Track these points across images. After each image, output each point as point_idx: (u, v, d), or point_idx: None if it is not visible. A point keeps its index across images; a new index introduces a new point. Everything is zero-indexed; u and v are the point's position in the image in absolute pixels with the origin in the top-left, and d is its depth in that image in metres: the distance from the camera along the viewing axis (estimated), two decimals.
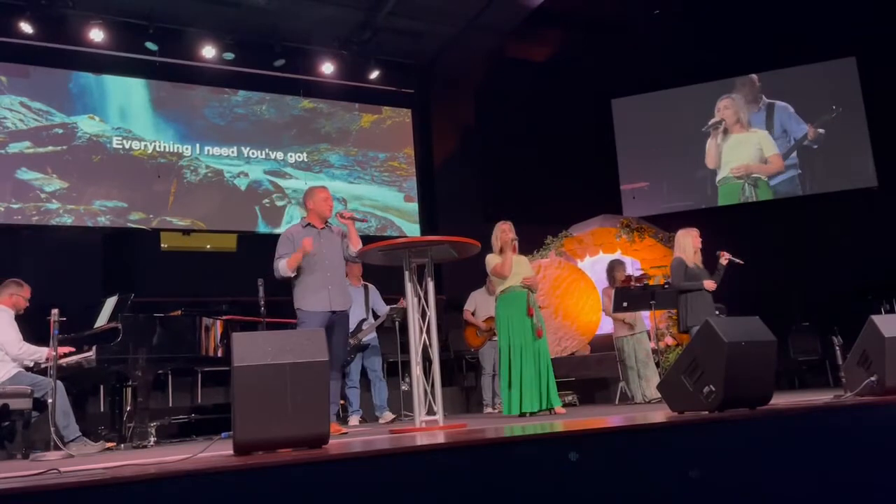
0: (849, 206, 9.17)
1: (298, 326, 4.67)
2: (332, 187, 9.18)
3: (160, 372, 5.72)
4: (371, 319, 6.45)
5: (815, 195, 9.58)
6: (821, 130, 9.60)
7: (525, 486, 2.23)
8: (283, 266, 4.65)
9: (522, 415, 5.08)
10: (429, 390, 4.09)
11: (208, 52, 8.51)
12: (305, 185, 9.09)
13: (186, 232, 8.44)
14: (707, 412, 3.03)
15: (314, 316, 4.64)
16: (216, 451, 2.79)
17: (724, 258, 5.63)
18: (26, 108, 7.87)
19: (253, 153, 8.96)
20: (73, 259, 7.62)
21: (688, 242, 5.74)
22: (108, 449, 4.64)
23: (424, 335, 4.12)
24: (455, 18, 8.82)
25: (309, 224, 4.87)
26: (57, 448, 3.94)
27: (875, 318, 3.53)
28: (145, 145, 8.40)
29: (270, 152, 9.07)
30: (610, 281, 7.02)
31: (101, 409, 6.21)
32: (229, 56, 8.70)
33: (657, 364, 6.65)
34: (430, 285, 4.17)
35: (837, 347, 5.86)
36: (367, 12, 8.57)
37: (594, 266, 8.57)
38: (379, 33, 8.86)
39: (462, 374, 8.36)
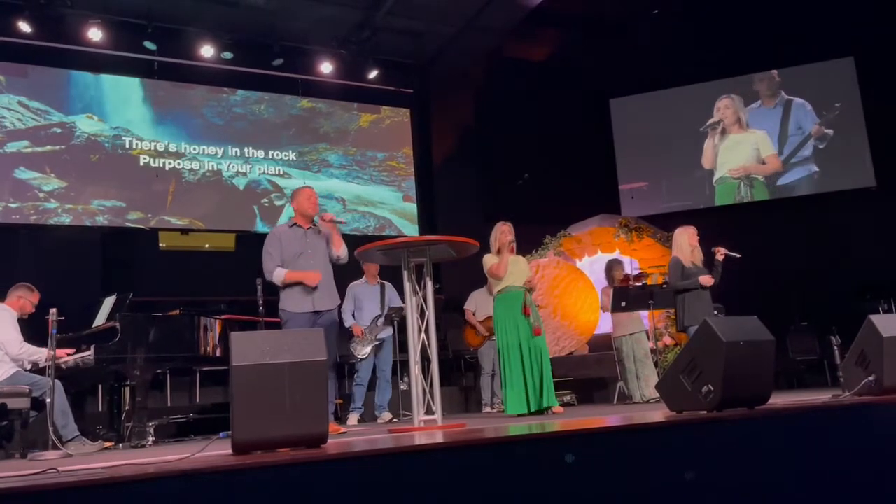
0: (847, 206, 9.18)
1: (282, 327, 4.71)
2: (330, 187, 9.32)
3: (158, 371, 5.72)
4: (383, 318, 6.45)
5: (814, 195, 9.59)
6: (828, 131, 9.58)
7: (524, 486, 2.23)
8: (280, 276, 4.70)
9: (521, 415, 5.09)
10: (427, 390, 4.09)
11: (207, 51, 8.51)
12: (304, 185, 9.11)
13: (185, 231, 8.43)
14: (705, 412, 3.04)
15: (297, 317, 4.68)
16: (215, 451, 2.78)
17: (720, 254, 5.55)
18: (24, 108, 7.87)
19: (251, 153, 8.96)
20: (71, 258, 7.62)
21: (684, 240, 5.67)
22: (107, 448, 4.64)
23: (423, 335, 4.12)
24: (454, 18, 8.82)
25: (295, 224, 4.92)
26: (55, 447, 3.93)
27: (873, 317, 3.54)
28: (144, 145, 8.40)
29: (269, 152, 9.07)
30: (609, 281, 7.02)
31: (100, 409, 6.21)
32: (228, 55, 8.69)
33: (655, 364, 6.65)
34: (429, 285, 4.17)
35: (836, 347, 5.87)
36: (366, 12, 8.57)
37: (592, 266, 8.57)
38: (378, 33, 8.86)
39: (461, 374, 8.36)
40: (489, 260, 5.42)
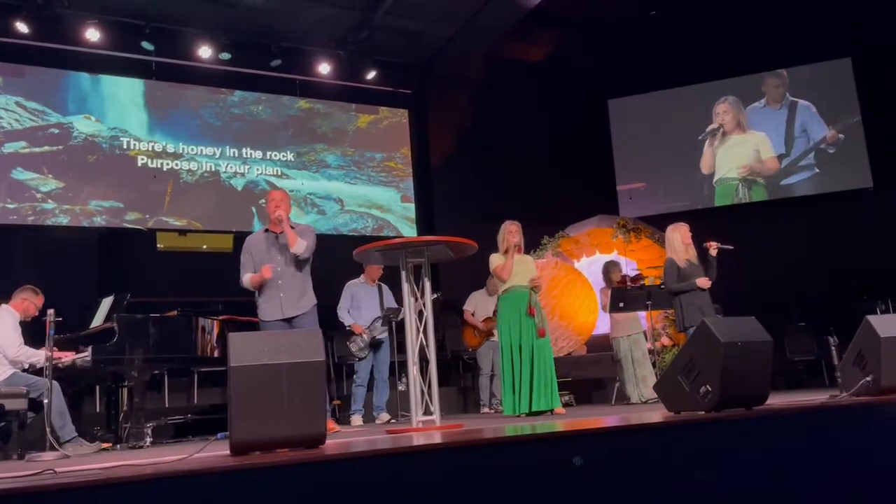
0: (845, 207, 9.19)
1: None
2: (328, 187, 9.32)
3: (156, 372, 5.72)
4: (382, 319, 6.46)
5: (811, 196, 9.60)
6: (840, 136, 9.59)
7: (522, 487, 2.23)
8: (247, 280, 4.83)
9: (520, 415, 5.08)
10: (426, 390, 4.09)
11: (205, 52, 8.50)
12: (302, 186, 9.14)
13: (182, 232, 8.42)
14: (703, 412, 3.04)
15: (272, 325, 4.73)
16: (213, 452, 2.78)
17: (713, 248, 5.45)
18: (22, 108, 7.85)
19: (249, 153, 8.95)
20: (68, 259, 7.60)
21: (676, 239, 5.57)
22: (104, 449, 4.64)
23: (421, 335, 4.13)
24: (452, 18, 8.82)
25: (268, 230, 4.96)
26: (53, 448, 3.93)
27: (871, 318, 3.54)
28: (141, 145, 8.39)
29: (267, 152, 9.06)
30: (606, 282, 7.03)
31: (97, 410, 6.20)
32: (226, 56, 8.68)
33: (653, 364, 6.66)
34: (427, 285, 4.17)
35: (833, 347, 5.86)
36: (364, 12, 8.56)
37: (591, 266, 8.58)
38: (376, 33, 8.86)
39: (459, 375, 8.36)
40: (495, 260, 5.40)
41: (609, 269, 7.04)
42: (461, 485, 2.16)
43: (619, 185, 10.20)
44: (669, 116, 10.13)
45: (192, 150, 8.65)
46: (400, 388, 6.83)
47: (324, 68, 9.10)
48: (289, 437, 2.51)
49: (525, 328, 5.23)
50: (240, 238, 8.44)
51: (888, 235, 8.51)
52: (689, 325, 5.28)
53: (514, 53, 9.97)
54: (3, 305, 4.92)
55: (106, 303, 5.24)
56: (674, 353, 6.88)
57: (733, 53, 9.62)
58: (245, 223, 8.73)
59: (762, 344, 3.22)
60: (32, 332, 4.82)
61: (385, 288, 6.61)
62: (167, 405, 6.78)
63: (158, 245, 8.26)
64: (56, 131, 7.99)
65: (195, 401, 6.96)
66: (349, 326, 6.34)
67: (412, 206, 9.80)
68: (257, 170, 8.96)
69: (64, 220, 7.85)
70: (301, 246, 4.78)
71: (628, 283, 6.91)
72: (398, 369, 6.79)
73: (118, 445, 4.82)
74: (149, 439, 4.82)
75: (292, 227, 4.88)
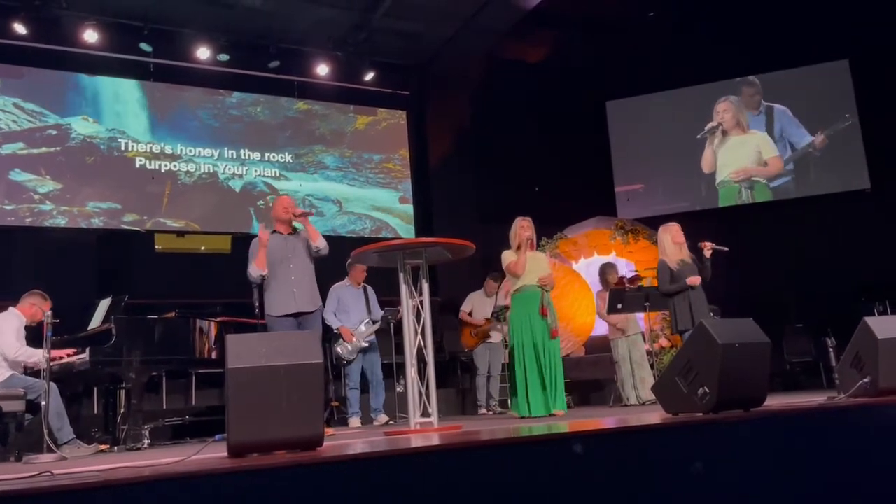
0: (842, 208, 9.20)
1: (268, 331, 4.74)
2: (326, 189, 9.32)
3: (154, 374, 5.71)
4: (371, 322, 6.46)
5: (808, 197, 9.61)
6: (825, 138, 9.62)
7: (520, 489, 2.23)
8: (253, 268, 4.79)
9: (543, 416, 5.03)
10: (423, 392, 4.09)
11: (203, 53, 8.50)
12: (300, 187, 9.14)
13: (181, 233, 8.41)
14: (701, 414, 3.04)
15: (281, 321, 4.75)
16: (210, 454, 2.78)
17: (707, 249, 5.40)
18: (19, 109, 7.85)
19: (247, 155, 8.95)
20: (66, 261, 7.59)
21: (667, 240, 5.49)
22: (102, 451, 4.63)
23: (419, 337, 4.12)
24: (450, 19, 8.82)
25: (275, 231, 4.98)
26: (50, 450, 3.93)
27: (868, 319, 3.54)
28: (139, 147, 8.38)
29: (265, 154, 9.06)
30: (603, 284, 7.03)
31: (95, 412, 6.19)
32: (224, 57, 8.68)
33: (652, 366, 6.66)
34: (425, 287, 4.17)
35: (831, 349, 5.87)
36: (363, 13, 8.56)
37: (589, 268, 8.58)
38: (374, 35, 8.85)
39: (457, 376, 8.36)
40: (508, 257, 5.35)
41: (606, 270, 7.04)
42: (459, 487, 2.16)
43: (618, 187, 10.21)
44: (668, 118, 10.14)
45: (191, 151, 8.64)
46: (398, 389, 6.83)
47: (322, 69, 9.10)
48: (286, 438, 2.51)
49: (537, 328, 5.19)
50: (238, 239, 8.53)
51: (886, 237, 8.53)
52: (683, 329, 5.20)
53: (513, 54, 9.98)
54: (11, 308, 4.91)
55: (104, 304, 5.24)
56: (672, 355, 6.88)
57: (732, 55, 9.64)
58: (243, 224, 8.73)
59: (760, 345, 3.22)
60: (31, 334, 4.81)
61: (370, 290, 6.60)
62: (165, 407, 6.77)
63: (156, 246, 8.25)
64: (54, 132, 7.98)
65: (193, 402, 6.95)
66: (337, 330, 6.32)
67: (410, 207, 9.80)
68: (255, 171, 8.96)
69: (62, 222, 7.84)
70: (322, 241, 4.88)
71: (626, 285, 6.91)
72: (396, 371, 6.79)
73: (116, 447, 4.81)
74: (146, 441, 4.81)
75: (301, 231, 4.97)
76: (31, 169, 7.79)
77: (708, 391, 3.04)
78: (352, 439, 3.75)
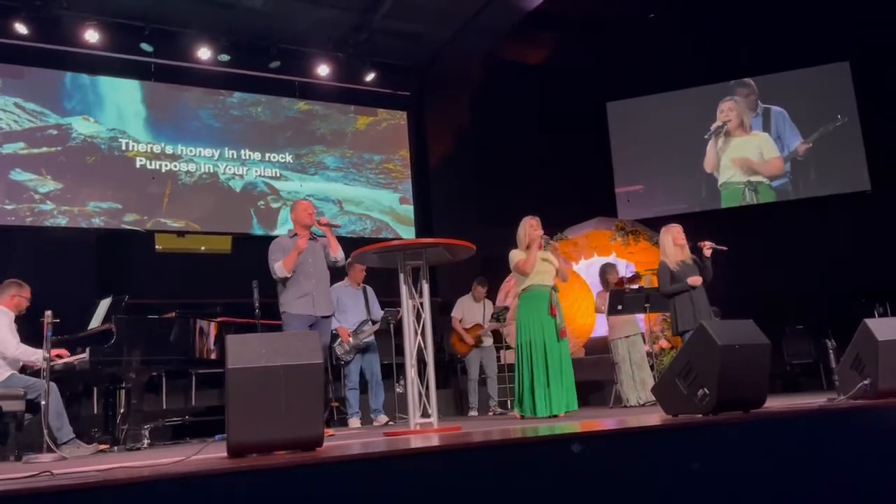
0: (842, 210, 9.21)
1: (283, 329, 4.82)
2: (327, 189, 9.32)
3: (154, 374, 5.71)
4: (370, 322, 6.46)
5: (808, 199, 9.61)
6: (809, 145, 9.63)
7: (520, 490, 2.23)
8: (280, 267, 4.84)
9: (554, 416, 4.99)
10: (423, 392, 4.09)
11: (204, 53, 8.50)
12: (300, 187, 9.14)
13: (181, 233, 8.42)
14: (701, 415, 3.04)
15: (299, 319, 4.81)
16: (210, 454, 2.78)
17: (707, 249, 5.38)
18: (20, 109, 7.85)
19: (248, 155, 8.95)
20: (67, 260, 7.60)
21: (667, 241, 5.48)
22: (102, 451, 4.63)
23: (419, 337, 4.12)
24: (451, 20, 8.83)
25: (295, 235, 5.01)
26: (50, 450, 3.92)
27: (868, 321, 3.54)
28: (140, 147, 8.39)
29: (265, 154, 9.06)
30: (603, 284, 7.03)
31: (95, 412, 6.19)
32: (225, 58, 8.68)
33: (652, 367, 6.66)
34: (426, 288, 4.17)
35: (831, 350, 5.87)
36: (363, 14, 8.57)
37: (589, 269, 8.58)
38: (374, 35, 8.86)
39: (457, 377, 8.35)
40: (516, 255, 5.30)
41: (606, 271, 7.03)
42: (459, 487, 2.16)
43: (618, 188, 10.21)
44: (668, 119, 10.14)
45: (191, 151, 8.65)
46: (398, 390, 6.82)
47: (322, 70, 9.11)
48: (286, 439, 2.51)
49: (546, 328, 5.15)
50: (238, 240, 8.53)
51: (886, 238, 8.52)
52: (684, 330, 5.20)
53: (513, 55, 9.98)
54: None
55: (104, 304, 5.23)
56: (672, 356, 6.88)
57: (733, 56, 9.64)
58: (243, 225, 8.73)
59: (760, 347, 3.22)
60: (31, 333, 4.80)
61: (370, 291, 6.60)
62: (165, 407, 6.77)
63: (157, 246, 8.25)
64: (55, 132, 7.99)
65: (193, 403, 6.94)
66: (335, 330, 6.33)
67: (410, 208, 9.81)
68: (256, 171, 8.96)
69: (62, 221, 7.84)
70: (341, 253, 4.97)
71: (626, 286, 6.91)
72: (396, 371, 6.79)
73: (116, 447, 4.81)
74: (146, 441, 4.81)
75: (318, 237, 5.05)
76: (31, 169, 7.79)
77: (708, 392, 3.04)
78: (351, 440, 3.75)
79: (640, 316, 6.78)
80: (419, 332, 4.12)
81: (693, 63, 9.67)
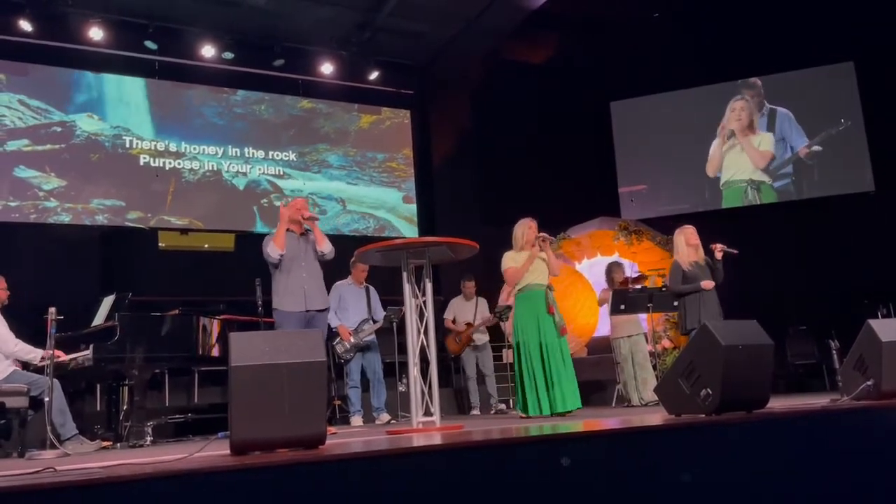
0: (846, 211, 9.17)
1: (276, 327, 4.81)
2: (330, 188, 9.33)
3: (157, 371, 5.72)
4: (371, 321, 6.46)
5: (812, 199, 9.58)
6: (816, 148, 9.61)
7: (522, 489, 2.23)
8: (273, 247, 4.84)
9: (561, 414, 4.98)
10: (426, 391, 4.09)
11: (207, 51, 8.51)
12: (304, 185, 9.15)
13: (184, 231, 8.43)
14: (704, 415, 3.04)
15: (290, 316, 4.79)
16: (213, 451, 2.78)
17: (718, 251, 5.48)
18: (25, 106, 7.86)
19: (251, 153, 8.96)
20: (70, 257, 7.61)
21: (680, 242, 5.60)
22: (105, 448, 4.64)
23: (422, 336, 4.12)
24: (454, 20, 8.82)
25: (288, 230, 4.99)
26: (53, 447, 3.93)
27: (872, 322, 3.54)
28: (144, 144, 8.40)
29: (269, 152, 9.07)
30: (609, 283, 7.03)
31: (98, 408, 6.20)
32: (228, 56, 8.69)
33: (654, 367, 6.65)
34: (428, 286, 4.17)
35: (834, 351, 5.85)
36: (367, 13, 8.57)
37: (592, 268, 8.58)
38: (378, 34, 8.87)
39: (459, 376, 8.35)
40: (508, 260, 5.32)
41: (612, 269, 7.03)
42: (461, 486, 2.16)
43: (621, 187, 10.19)
44: (672, 118, 10.12)
45: (195, 149, 8.66)
46: (400, 388, 6.83)
47: (326, 68, 9.11)
48: (289, 437, 2.51)
49: (545, 327, 5.16)
50: (241, 238, 8.54)
51: (890, 239, 8.50)
52: (691, 328, 5.26)
53: (517, 55, 9.97)
54: None
55: (107, 301, 5.24)
56: (674, 356, 6.87)
57: (737, 56, 9.61)
58: (247, 223, 8.74)
59: (763, 347, 3.22)
60: (34, 331, 4.80)
61: (373, 290, 6.61)
62: (168, 404, 6.78)
63: (160, 244, 8.27)
64: (59, 129, 8.00)
65: (195, 400, 6.96)
66: (335, 328, 6.33)
67: (414, 206, 9.81)
68: (259, 169, 8.97)
69: (66, 219, 7.86)
70: (329, 246, 4.97)
71: (630, 286, 6.90)
72: (398, 370, 6.79)
73: (118, 444, 4.82)
74: (149, 438, 4.82)
75: (308, 232, 5.04)
76: (35, 166, 7.81)
77: (710, 392, 3.03)
78: (354, 438, 3.76)
79: (643, 315, 6.77)
80: (422, 330, 4.12)
81: (697, 63, 9.64)
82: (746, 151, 9.88)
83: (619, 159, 10.26)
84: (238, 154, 8.88)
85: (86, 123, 8.15)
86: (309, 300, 4.85)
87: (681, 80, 9.99)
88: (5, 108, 7.75)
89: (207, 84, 8.86)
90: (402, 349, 5.15)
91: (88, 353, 4.71)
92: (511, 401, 7.13)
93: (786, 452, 2.70)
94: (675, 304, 5.94)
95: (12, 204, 7.63)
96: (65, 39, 7.99)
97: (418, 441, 2.82)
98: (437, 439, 2.83)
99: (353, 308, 6.46)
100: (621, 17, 9.24)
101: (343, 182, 9.44)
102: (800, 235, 9.22)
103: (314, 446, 2.55)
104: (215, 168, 8.73)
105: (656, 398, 4.44)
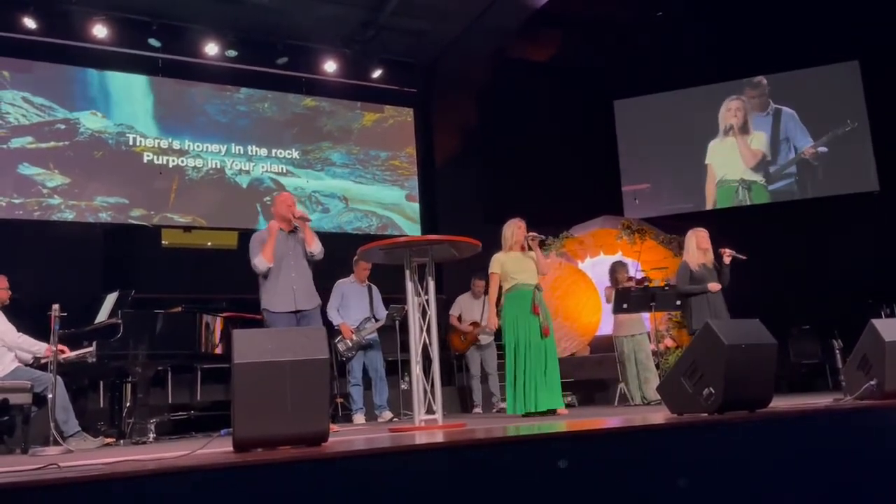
0: (850, 210, 9.16)
1: (265, 327, 4.78)
2: (333, 186, 9.33)
3: (160, 368, 5.73)
4: (373, 320, 6.47)
5: (816, 198, 9.56)
6: (822, 149, 9.59)
7: (524, 487, 2.23)
8: (260, 259, 4.85)
9: (527, 415, 5.06)
10: (428, 389, 4.09)
11: (211, 49, 8.51)
12: (307, 184, 9.15)
13: (187, 229, 8.44)
14: (706, 414, 3.03)
15: (279, 317, 4.79)
16: (215, 448, 2.79)
17: (727, 256, 5.61)
18: (29, 104, 7.88)
19: (255, 151, 8.97)
20: (74, 255, 7.63)
21: (691, 244, 5.73)
22: (108, 445, 4.66)
23: (424, 334, 4.13)
24: (458, 18, 8.82)
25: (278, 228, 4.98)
26: (56, 443, 3.94)
27: (875, 321, 3.53)
28: (147, 142, 8.41)
29: (272, 150, 9.07)
30: (612, 282, 7.03)
31: (101, 405, 6.21)
32: (232, 53, 8.69)
33: (657, 366, 6.65)
34: (431, 284, 4.17)
35: (837, 351, 5.87)
36: (370, 11, 8.56)
37: (595, 267, 8.57)
38: (382, 32, 8.86)
39: (461, 374, 8.36)
40: (495, 264, 5.36)
41: (616, 269, 7.03)
42: (463, 484, 2.16)
43: (624, 186, 10.18)
44: (675, 117, 10.10)
45: (198, 146, 8.67)
46: (402, 386, 6.83)
47: (330, 66, 9.11)
48: (291, 434, 2.51)
49: (530, 326, 5.20)
50: (244, 235, 8.51)
51: (894, 238, 8.48)
52: (696, 329, 5.28)
53: (520, 53, 9.96)
54: None
55: (111, 298, 5.25)
56: (677, 355, 6.86)
57: (741, 54, 9.59)
58: (250, 220, 8.74)
59: (766, 347, 3.21)
60: (37, 327, 4.81)
61: (375, 290, 6.61)
62: (170, 401, 6.79)
63: (163, 241, 8.28)
64: (63, 127, 8.02)
65: (198, 397, 6.97)
66: (338, 326, 6.34)
67: (416, 205, 9.80)
68: (262, 167, 8.97)
69: (69, 216, 7.87)
70: (318, 246, 4.93)
71: (633, 285, 6.90)
72: (401, 368, 6.80)
73: (121, 441, 4.84)
74: (152, 435, 4.83)
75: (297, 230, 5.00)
76: (39, 163, 7.82)
77: (713, 392, 3.03)
78: (356, 436, 3.76)
79: (646, 315, 6.77)
80: (424, 329, 4.12)
81: (700, 61, 9.62)
82: (739, 150, 9.88)
83: (623, 158, 10.25)
84: (241, 152, 8.89)
85: (89, 121, 8.16)
86: (298, 300, 4.83)
87: (684, 79, 9.97)
88: (9, 106, 7.77)
89: (211, 82, 8.86)
90: (405, 347, 5.16)
91: (92, 349, 4.72)
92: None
93: (788, 452, 2.69)
94: (679, 303, 5.97)
95: (16, 201, 7.65)
96: (69, 37, 8.00)
97: (420, 439, 2.82)
98: (439, 437, 2.83)
99: (355, 306, 6.47)
100: (625, 15, 9.22)
101: (346, 180, 9.44)
102: (804, 235, 9.20)
103: (317, 444, 2.55)
104: (218, 166, 8.74)
105: (659, 397, 4.43)
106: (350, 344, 6.32)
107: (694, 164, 10.07)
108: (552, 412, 5.10)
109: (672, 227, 8.33)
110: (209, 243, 8.53)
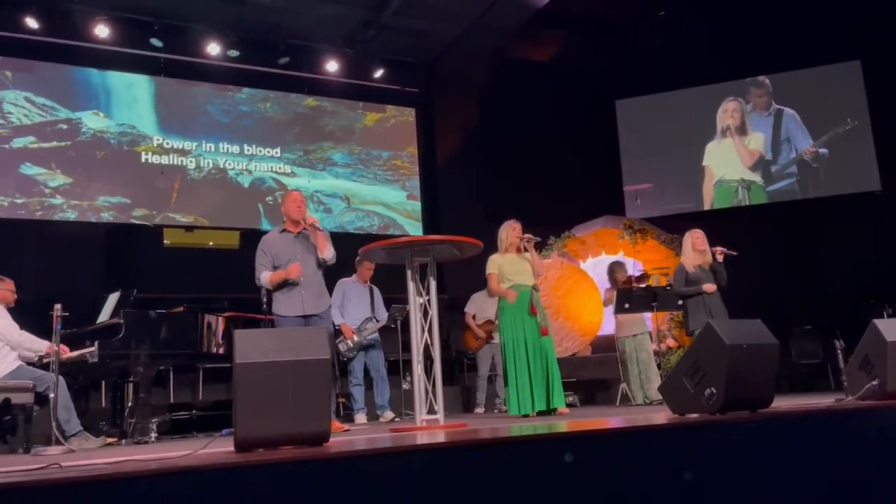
0: (852, 210, 9.15)
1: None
2: (335, 185, 9.34)
3: (162, 368, 5.73)
4: (374, 320, 6.47)
5: (818, 198, 9.55)
6: (822, 151, 9.58)
7: (525, 487, 2.23)
8: (266, 279, 4.81)
9: (526, 415, 5.06)
10: (430, 389, 4.10)
11: (213, 49, 8.51)
12: (308, 183, 9.15)
13: (189, 228, 8.45)
14: (708, 414, 3.03)
15: (289, 321, 4.76)
16: (217, 448, 2.79)
17: (719, 254, 5.63)
18: (31, 104, 7.89)
19: (256, 150, 8.97)
20: (76, 254, 7.64)
21: (687, 244, 5.75)
22: (110, 444, 4.66)
23: (426, 334, 4.13)
24: (460, 18, 8.81)
25: (285, 230, 4.97)
26: (58, 443, 3.95)
27: (877, 322, 3.53)
28: (149, 142, 8.41)
29: (274, 150, 9.08)
30: (611, 283, 7.03)
31: (103, 405, 6.22)
32: (234, 53, 8.69)
33: (659, 366, 6.65)
34: (433, 284, 4.17)
35: (839, 351, 5.87)
36: (372, 11, 8.57)
37: (596, 267, 8.56)
38: (383, 32, 8.86)
39: (463, 374, 8.36)
40: (492, 265, 5.37)
41: (614, 269, 7.03)
42: (464, 484, 2.16)
43: (626, 186, 10.17)
44: (677, 117, 10.10)
45: (200, 146, 8.67)
46: (404, 386, 6.83)
47: (331, 66, 9.11)
48: (293, 434, 2.52)
49: (528, 327, 5.21)
50: (246, 235, 8.55)
51: None
52: (695, 329, 5.30)
53: (522, 53, 9.96)
54: None
55: (112, 298, 5.26)
56: (679, 355, 6.86)
57: (743, 54, 9.58)
58: (252, 220, 8.75)
59: (768, 347, 3.21)
60: (39, 327, 4.81)
61: (377, 291, 6.61)
62: (172, 401, 6.80)
63: (165, 241, 8.29)
64: (65, 127, 8.02)
65: (200, 397, 6.97)
66: (339, 326, 6.34)
67: (418, 204, 9.81)
68: (264, 167, 8.98)
69: (72, 216, 7.88)
70: (331, 252, 4.87)
71: (634, 285, 6.90)
72: (402, 368, 6.80)
73: (123, 440, 4.84)
74: (154, 435, 4.84)
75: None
76: (41, 163, 7.83)
77: (715, 392, 3.03)
78: (357, 436, 3.76)
79: (648, 314, 6.77)
80: (426, 328, 4.12)
81: (702, 61, 9.61)
82: (737, 150, 9.88)
83: (624, 158, 10.25)
84: (243, 152, 8.90)
85: (91, 121, 8.17)
86: (307, 304, 4.79)
87: (686, 79, 9.97)
88: (11, 106, 7.78)
89: (213, 82, 8.87)
90: (406, 347, 5.16)
91: (93, 349, 4.72)
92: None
93: (790, 452, 2.69)
94: (680, 303, 5.98)
95: (18, 201, 7.66)
96: (70, 37, 8.00)
97: (422, 439, 2.82)
98: (440, 437, 2.83)
99: (356, 306, 6.47)
100: (626, 15, 9.22)
101: (348, 180, 9.45)
102: (806, 234, 9.19)
103: (318, 443, 2.55)
104: (220, 165, 8.74)
105: (660, 397, 4.43)
106: (351, 344, 6.32)
107: (696, 163, 10.07)
108: (554, 412, 5.11)
109: (674, 227, 8.32)
110: (211, 243, 8.54)
